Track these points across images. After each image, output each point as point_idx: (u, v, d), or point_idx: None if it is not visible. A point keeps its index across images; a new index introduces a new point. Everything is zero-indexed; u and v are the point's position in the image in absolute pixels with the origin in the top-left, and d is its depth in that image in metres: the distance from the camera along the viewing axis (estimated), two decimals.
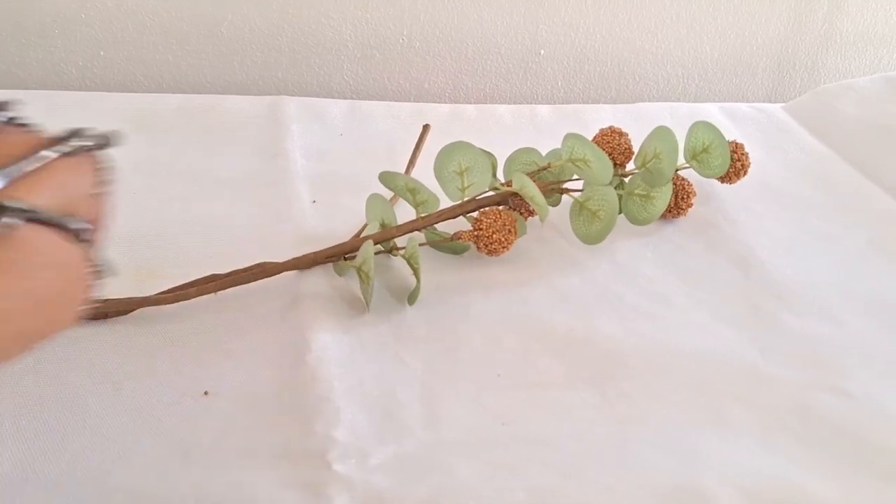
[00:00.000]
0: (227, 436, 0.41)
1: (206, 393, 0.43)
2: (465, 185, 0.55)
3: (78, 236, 0.32)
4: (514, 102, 0.99)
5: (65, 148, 0.33)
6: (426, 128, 0.72)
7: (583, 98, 1.02)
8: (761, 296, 0.57)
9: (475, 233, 0.54)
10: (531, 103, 0.96)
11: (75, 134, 0.34)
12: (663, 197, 0.61)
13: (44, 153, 0.32)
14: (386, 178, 0.56)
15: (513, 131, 0.81)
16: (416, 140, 0.71)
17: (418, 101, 0.93)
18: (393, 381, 0.46)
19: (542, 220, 0.56)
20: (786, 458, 0.43)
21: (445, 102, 0.96)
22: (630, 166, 0.62)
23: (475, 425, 0.43)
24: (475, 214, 0.56)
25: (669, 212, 0.63)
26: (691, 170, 0.64)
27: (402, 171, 0.66)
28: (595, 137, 0.61)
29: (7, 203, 0.29)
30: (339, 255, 0.53)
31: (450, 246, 0.58)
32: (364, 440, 0.41)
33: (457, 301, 0.53)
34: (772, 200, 0.71)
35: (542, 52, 0.97)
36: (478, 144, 0.77)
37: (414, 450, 0.41)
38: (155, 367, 0.45)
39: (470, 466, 0.40)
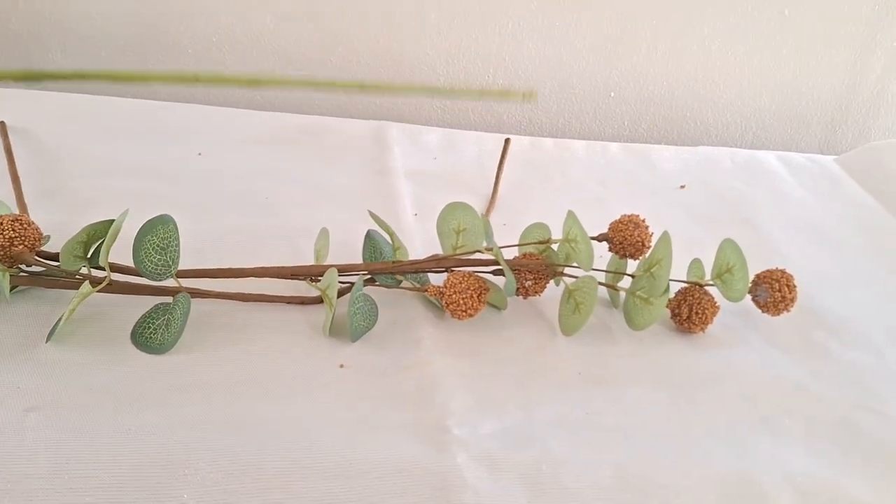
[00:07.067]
0: (360, 404, 0.49)
1: (341, 366, 0.52)
2: (459, 244, 0.58)
3: None
4: (583, 138, 1.07)
5: None
6: (507, 141, 0.80)
7: (645, 138, 1.10)
8: (811, 327, 0.64)
9: (440, 289, 0.56)
10: (598, 140, 1.04)
11: None
12: (659, 305, 0.58)
13: None
14: (374, 215, 0.59)
15: (585, 165, 0.89)
16: (498, 164, 0.81)
17: (497, 132, 1.02)
18: (489, 370, 0.54)
19: (507, 291, 0.57)
20: (829, 461, 0.50)
21: (521, 134, 1.05)
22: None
23: (562, 411, 0.51)
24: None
25: (682, 324, 0.60)
26: None
27: (491, 185, 0.74)
28: (612, 223, 0.60)
29: None
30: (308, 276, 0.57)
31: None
32: (473, 413, 0.49)
33: (542, 306, 0.62)
34: (823, 244, 0.79)
35: (613, 94, 1.06)
36: (553, 175, 0.87)
37: (513, 425, 0.49)
38: (298, 344, 0.54)
39: (562, 442, 0.48)
